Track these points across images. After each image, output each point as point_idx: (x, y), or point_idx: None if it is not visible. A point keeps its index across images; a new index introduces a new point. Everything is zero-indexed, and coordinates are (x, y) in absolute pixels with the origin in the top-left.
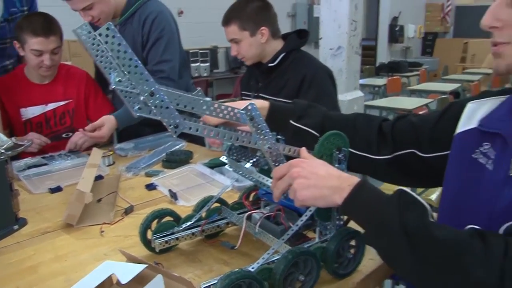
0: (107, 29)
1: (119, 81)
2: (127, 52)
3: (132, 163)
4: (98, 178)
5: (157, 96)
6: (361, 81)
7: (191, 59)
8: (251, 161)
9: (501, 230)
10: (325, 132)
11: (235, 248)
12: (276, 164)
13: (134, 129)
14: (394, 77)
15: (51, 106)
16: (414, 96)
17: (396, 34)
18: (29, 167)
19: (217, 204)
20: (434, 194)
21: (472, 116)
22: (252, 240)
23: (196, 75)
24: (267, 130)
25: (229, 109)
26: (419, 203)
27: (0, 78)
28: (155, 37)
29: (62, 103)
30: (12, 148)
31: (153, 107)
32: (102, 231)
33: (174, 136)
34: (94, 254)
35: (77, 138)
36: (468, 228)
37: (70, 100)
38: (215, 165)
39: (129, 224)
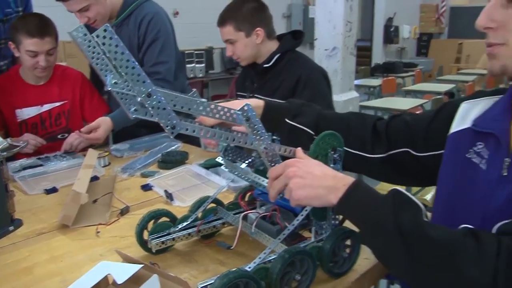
0: (105, 30)
1: (115, 83)
2: (124, 54)
3: (128, 164)
4: (94, 179)
5: (154, 97)
6: (356, 82)
7: (187, 59)
8: (247, 161)
9: (494, 230)
10: (320, 130)
11: (231, 248)
12: (272, 164)
13: (130, 130)
14: (389, 77)
15: (47, 107)
16: (409, 96)
17: (391, 35)
18: (25, 168)
19: (213, 205)
20: (429, 194)
21: (466, 116)
22: (248, 240)
23: (192, 75)
24: (263, 131)
25: (225, 109)
26: (413, 203)
27: None
28: (151, 39)
29: (57, 104)
30: (7, 149)
31: (150, 108)
32: (98, 232)
33: (171, 137)
34: (90, 254)
35: (73, 139)
36: (462, 228)
37: (66, 101)
38: (210, 165)
39: (125, 225)
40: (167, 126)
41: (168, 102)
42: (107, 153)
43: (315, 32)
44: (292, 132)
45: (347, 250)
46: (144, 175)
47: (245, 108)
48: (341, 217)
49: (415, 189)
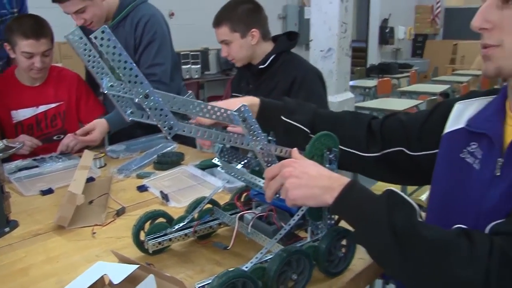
0: (102, 32)
1: (111, 86)
2: (122, 55)
3: (124, 165)
4: (90, 180)
5: (152, 98)
6: (352, 83)
7: (182, 61)
8: (243, 162)
9: (487, 230)
10: (315, 128)
11: (228, 248)
12: (268, 165)
13: (126, 131)
14: (385, 78)
15: (42, 108)
16: (405, 97)
17: (386, 35)
18: (20, 169)
19: (209, 205)
20: (424, 194)
21: (460, 116)
22: (244, 240)
23: (187, 77)
24: (260, 131)
25: (222, 110)
26: (407, 203)
27: None
28: (147, 41)
29: (53, 105)
30: (3, 150)
31: (148, 109)
32: (94, 233)
33: (169, 137)
34: (86, 255)
35: (69, 140)
36: (455, 228)
37: (61, 102)
38: (206, 166)
39: (121, 226)
40: (164, 127)
41: (165, 103)
42: (103, 154)
43: (310, 33)
44: (287, 130)
45: (343, 250)
46: (140, 176)
47: (242, 108)
48: (336, 217)
49: (410, 189)
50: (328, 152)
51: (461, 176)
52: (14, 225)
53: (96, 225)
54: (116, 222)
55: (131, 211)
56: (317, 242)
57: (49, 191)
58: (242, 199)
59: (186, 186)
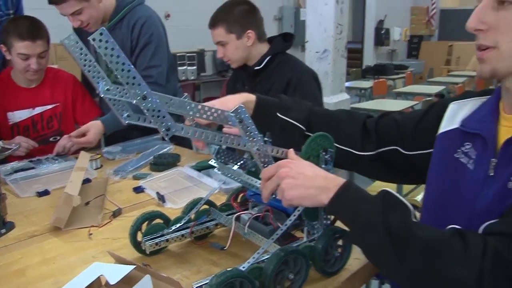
0: (101, 34)
1: (108, 89)
2: (120, 57)
3: (120, 166)
4: (86, 181)
5: (150, 99)
6: (348, 84)
7: (178, 62)
8: (239, 163)
9: (481, 230)
10: (311, 126)
11: (225, 248)
12: (265, 166)
13: (122, 133)
14: (380, 79)
15: (38, 110)
16: (400, 98)
17: (382, 37)
18: (16, 171)
19: (205, 206)
20: (420, 195)
21: (454, 116)
22: (240, 241)
23: (183, 78)
24: (256, 132)
25: (219, 111)
26: (402, 204)
27: None
28: (144, 43)
29: (49, 106)
30: None
31: (145, 111)
32: (90, 234)
33: (166, 138)
34: (82, 256)
35: (65, 141)
36: (449, 228)
37: (57, 104)
38: (202, 167)
39: (117, 227)
40: (162, 128)
41: (163, 104)
42: (99, 156)
43: (306, 35)
44: (283, 127)
45: (339, 250)
46: (136, 177)
47: (238, 109)
48: (332, 217)
49: (406, 189)
50: (324, 153)
51: (456, 176)
52: (10, 226)
53: (93, 226)
54: (112, 223)
55: (127, 212)
56: (314, 242)
57: (45, 193)
58: (239, 200)
59: (182, 187)
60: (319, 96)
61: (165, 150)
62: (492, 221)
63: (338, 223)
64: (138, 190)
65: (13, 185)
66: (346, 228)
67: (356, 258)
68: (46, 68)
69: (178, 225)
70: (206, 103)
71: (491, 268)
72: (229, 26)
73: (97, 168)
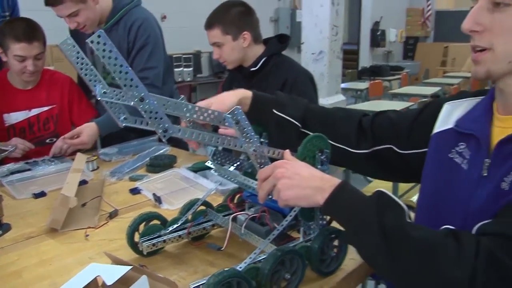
0: (99, 36)
1: (104, 92)
2: (118, 59)
3: (116, 167)
4: (82, 183)
5: (147, 101)
6: (344, 85)
7: (175, 63)
8: (235, 164)
9: (474, 230)
10: (307, 123)
11: (222, 249)
12: (261, 166)
13: (118, 134)
14: (376, 81)
15: (35, 111)
16: (396, 99)
17: (378, 38)
18: (12, 173)
19: (202, 207)
20: (416, 196)
21: (449, 116)
22: (237, 241)
23: (180, 79)
24: (252, 134)
25: (216, 113)
26: (397, 204)
27: None
28: (140, 44)
29: (45, 108)
30: None
31: (143, 112)
32: (87, 235)
33: (164, 140)
34: (79, 258)
35: (62, 142)
36: (443, 229)
37: (54, 106)
38: (198, 169)
39: (113, 228)
40: (159, 130)
41: (160, 106)
42: (95, 157)
43: (301, 36)
44: (279, 123)
45: (335, 250)
46: (132, 179)
47: (235, 111)
48: (328, 217)
49: (402, 190)
50: (319, 154)
51: (450, 176)
52: (6, 228)
53: (89, 227)
54: (109, 224)
55: (124, 214)
56: (310, 242)
57: (42, 194)
58: (235, 201)
59: (179, 189)
60: (314, 97)
61: (161, 151)
62: (486, 221)
63: (334, 224)
64: (135, 191)
65: (9, 187)
66: (342, 229)
67: (352, 258)
68: (43, 69)
69: (175, 226)
70: (204, 101)
71: (484, 268)
72: (225, 27)
73: (93, 170)
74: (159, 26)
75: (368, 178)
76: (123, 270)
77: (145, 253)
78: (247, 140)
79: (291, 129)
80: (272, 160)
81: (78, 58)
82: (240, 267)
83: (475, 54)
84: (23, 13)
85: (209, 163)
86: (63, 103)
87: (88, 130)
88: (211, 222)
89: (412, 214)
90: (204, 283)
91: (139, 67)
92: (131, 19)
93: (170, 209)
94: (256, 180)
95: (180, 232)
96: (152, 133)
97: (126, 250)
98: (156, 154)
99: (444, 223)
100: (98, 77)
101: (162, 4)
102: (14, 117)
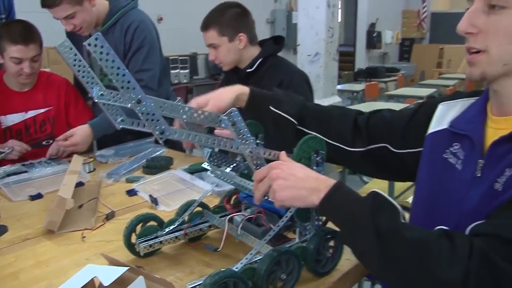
0: (96, 39)
1: (101, 95)
2: (115, 61)
3: (113, 169)
4: (79, 184)
5: (144, 103)
6: (340, 87)
7: (171, 65)
8: (231, 166)
9: (467, 231)
10: (303, 121)
11: (218, 250)
12: (257, 168)
13: (115, 136)
14: (372, 82)
15: (31, 113)
16: (392, 101)
17: (373, 40)
18: (9, 175)
19: (199, 208)
20: (411, 197)
21: (443, 117)
22: (233, 242)
23: (176, 81)
24: (249, 135)
25: (213, 115)
26: (391, 205)
27: None
28: (136, 46)
29: (42, 110)
30: None
31: (140, 114)
32: (84, 237)
33: (161, 142)
34: (75, 259)
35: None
36: (437, 229)
37: (50, 108)
38: (195, 170)
39: (110, 229)
40: (156, 132)
41: (157, 108)
42: (92, 159)
43: (297, 38)
44: (276, 120)
45: (330, 250)
46: (129, 181)
47: (231, 113)
48: (324, 218)
49: (398, 191)
50: (315, 155)
51: (444, 176)
52: (3, 230)
53: (86, 229)
54: (105, 226)
55: (120, 215)
56: (306, 243)
57: (38, 196)
58: (232, 202)
59: (175, 190)
60: (310, 98)
61: (158, 153)
62: (479, 222)
63: (330, 224)
64: (131, 193)
65: (6, 189)
66: (337, 229)
67: (348, 259)
68: (39, 71)
69: (171, 227)
70: (201, 97)
71: (477, 269)
72: (221, 29)
73: (90, 172)
74: (155, 29)
75: (364, 179)
76: (120, 271)
77: (142, 254)
78: (243, 141)
79: (288, 126)
80: (268, 161)
81: (75, 60)
82: (237, 268)
83: (470, 56)
84: (19, 15)
85: (205, 165)
86: (59, 105)
87: (80, 132)
88: (207, 223)
89: (407, 215)
90: (200, 283)
91: (135, 69)
92: (127, 21)
93: (166, 210)
94: (252, 181)
95: (176, 233)
96: (149, 135)
97: (123, 251)
98: (153, 155)
99: (438, 223)
100: (95, 79)
101: (158, 6)
102: (11, 119)
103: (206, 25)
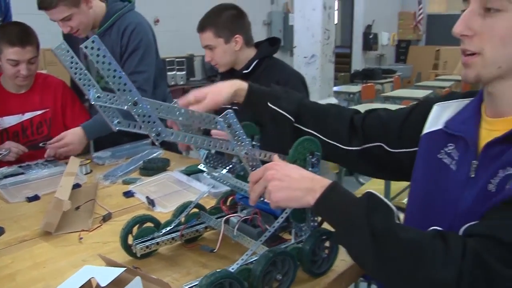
0: (93, 42)
1: (98, 97)
2: (111, 64)
3: (110, 171)
4: (76, 186)
5: (140, 105)
6: (337, 88)
7: (168, 67)
8: (228, 167)
9: (461, 231)
10: (300, 118)
11: (214, 251)
12: (253, 169)
13: (112, 138)
14: (369, 84)
15: (28, 115)
16: (388, 102)
17: (370, 41)
18: (6, 176)
19: (195, 210)
20: (407, 198)
21: (438, 117)
22: (230, 243)
23: (173, 83)
24: (244, 137)
25: (211, 117)
26: (386, 206)
27: None
28: (132, 48)
29: (39, 112)
30: None
31: (136, 116)
32: (81, 238)
33: (157, 143)
34: (72, 260)
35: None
36: (431, 230)
37: (47, 109)
38: (191, 172)
39: (107, 231)
40: (152, 134)
41: (153, 110)
42: (88, 161)
43: (294, 40)
44: (273, 117)
45: (326, 251)
46: (126, 182)
47: (227, 115)
48: (319, 218)
49: (394, 192)
50: (310, 156)
51: (439, 177)
52: (0, 231)
53: (83, 230)
54: (102, 227)
55: (117, 217)
56: (301, 244)
57: (35, 198)
58: (228, 203)
59: (172, 192)
60: None
61: (154, 155)
62: (473, 222)
63: (325, 225)
64: (128, 194)
65: (2, 191)
66: (333, 230)
67: (343, 259)
68: (36, 73)
69: (168, 228)
70: (199, 90)
71: (471, 269)
72: (218, 30)
73: (87, 173)
74: (152, 31)
75: (360, 180)
76: (117, 271)
77: (138, 255)
78: (239, 143)
79: (285, 123)
80: (264, 163)
81: (72, 63)
82: (233, 268)
83: (465, 58)
84: (16, 17)
85: (201, 166)
86: (56, 107)
87: (71, 134)
88: (204, 224)
89: (402, 215)
90: (196, 284)
91: (129, 70)
92: (124, 24)
93: (163, 212)
94: (248, 182)
95: (173, 235)
96: (145, 136)
97: (119, 253)
98: (149, 157)
99: (433, 223)
100: (92, 81)
101: (155, 8)
102: (7, 121)
103: (202, 27)
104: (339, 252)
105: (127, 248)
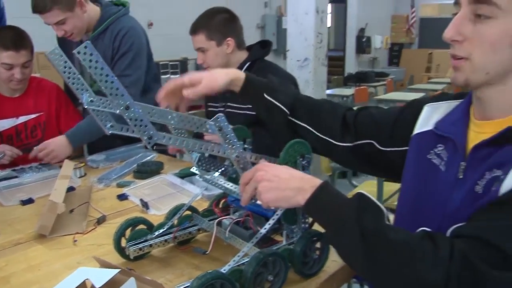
0: (85, 47)
1: (91, 101)
2: (104, 69)
3: (104, 174)
4: (70, 189)
5: (132, 109)
6: (329, 91)
7: (161, 70)
8: (220, 170)
9: (448, 233)
10: (295, 111)
11: (207, 253)
12: (244, 171)
13: (106, 141)
14: (362, 87)
15: (22, 119)
16: (381, 105)
17: (363, 45)
18: None
19: (188, 212)
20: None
21: (428, 118)
22: (222, 245)
23: None
24: (235, 140)
25: (203, 120)
26: (376, 206)
27: None
28: (122, 51)
29: (33, 116)
30: None
31: (128, 120)
32: (75, 241)
33: (148, 147)
34: (67, 263)
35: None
36: (420, 231)
37: (41, 113)
38: (185, 175)
39: (101, 233)
40: (144, 137)
41: (145, 114)
42: (83, 164)
43: (287, 43)
44: (269, 108)
45: (317, 252)
46: (120, 185)
47: (218, 118)
48: (310, 220)
49: (386, 194)
50: (301, 159)
51: (428, 177)
52: None
53: (77, 233)
54: (97, 230)
55: (111, 219)
56: (292, 245)
57: (30, 201)
58: (220, 206)
59: (166, 194)
60: None
61: (148, 158)
62: (460, 224)
63: (317, 226)
64: (122, 197)
65: None
66: (323, 231)
67: (334, 260)
68: (30, 77)
69: (161, 230)
70: (195, 73)
71: (458, 271)
72: (210, 33)
73: (81, 176)
74: (145, 35)
75: (353, 182)
76: (112, 273)
77: (132, 257)
78: (230, 146)
79: (280, 115)
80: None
81: (65, 67)
82: (224, 270)
83: (454, 61)
84: (10, 21)
85: (194, 169)
86: (50, 110)
87: (53, 142)
88: (196, 226)
89: (391, 216)
90: (188, 285)
91: (117, 73)
92: (117, 28)
93: (157, 214)
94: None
95: (166, 237)
96: (139, 140)
97: (114, 255)
98: (143, 160)
99: (422, 224)
100: (85, 86)
101: (148, 11)
102: (1, 125)
103: (194, 29)
104: (330, 253)
105: (121, 250)
